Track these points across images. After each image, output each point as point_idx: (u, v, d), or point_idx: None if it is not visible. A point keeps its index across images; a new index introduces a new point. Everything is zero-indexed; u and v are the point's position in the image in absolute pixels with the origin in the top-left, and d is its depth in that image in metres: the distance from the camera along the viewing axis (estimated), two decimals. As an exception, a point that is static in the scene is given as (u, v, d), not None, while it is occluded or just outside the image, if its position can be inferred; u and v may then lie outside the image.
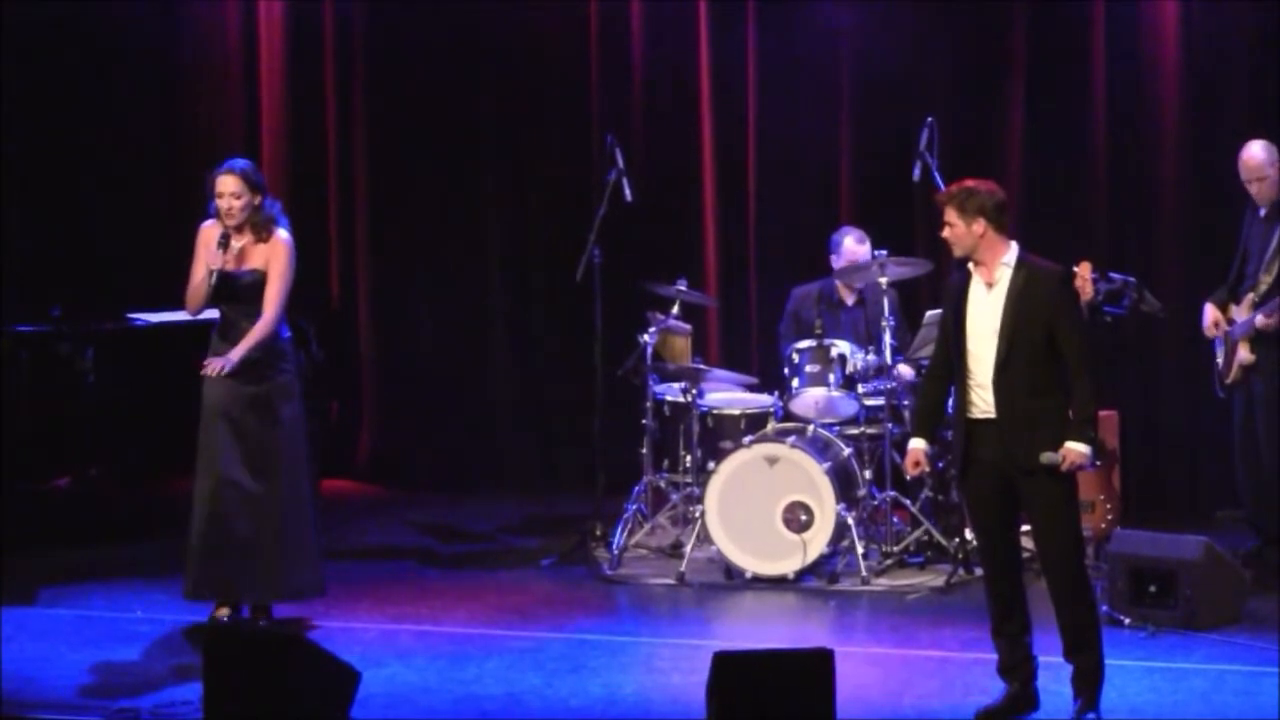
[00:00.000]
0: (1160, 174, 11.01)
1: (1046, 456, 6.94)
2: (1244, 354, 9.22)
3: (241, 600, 8.31)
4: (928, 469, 7.57)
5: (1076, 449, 6.95)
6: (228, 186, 8.16)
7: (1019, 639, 7.18)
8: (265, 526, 8.16)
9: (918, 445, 7.31)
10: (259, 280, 8.16)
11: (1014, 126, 11.16)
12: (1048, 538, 7.11)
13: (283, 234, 8.23)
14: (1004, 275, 7.03)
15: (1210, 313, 9.43)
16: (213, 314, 8.37)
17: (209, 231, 8.24)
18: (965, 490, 7.45)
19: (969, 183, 7.10)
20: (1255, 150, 9.30)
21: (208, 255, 8.15)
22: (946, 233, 7.09)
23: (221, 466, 8.16)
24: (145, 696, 7.62)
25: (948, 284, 7.29)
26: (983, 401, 7.05)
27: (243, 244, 8.22)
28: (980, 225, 7.01)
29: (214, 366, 8.11)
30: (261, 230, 8.21)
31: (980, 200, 7.01)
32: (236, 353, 8.11)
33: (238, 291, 8.17)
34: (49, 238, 12.20)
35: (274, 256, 8.19)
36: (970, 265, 7.10)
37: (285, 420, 8.21)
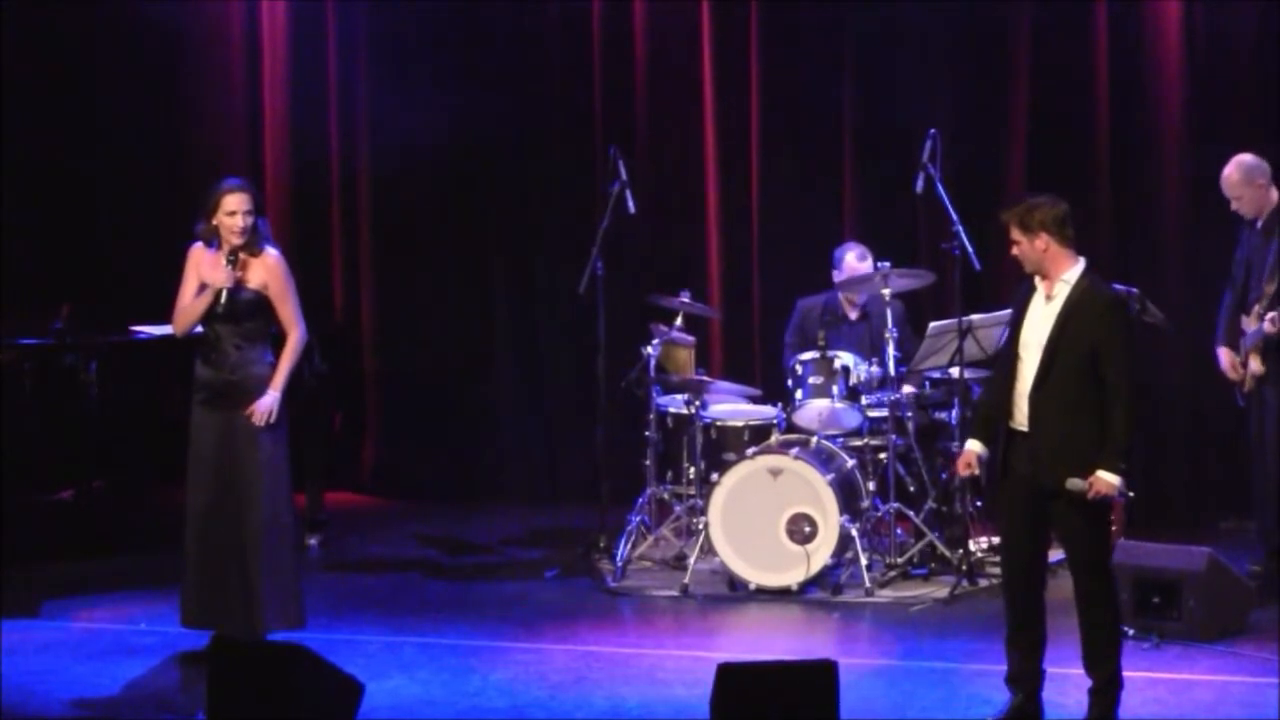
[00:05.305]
0: (1163, 179, 11.01)
1: (1073, 483, 6.89)
2: (1254, 365, 9.21)
3: (225, 632, 8.03)
4: (978, 471, 7.41)
5: (1105, 479, 6.88)
6: (241, 204, 8.03)
7: (1031, 653, 7.15)
8: (244, 557, 8.01)
9: (972, 447, 7.26)
10: (257, 299, 8.06)
11: (1017, 132, 11.16)
12: (1074, 557, 7.10)
13: (273, 251, 8.13)
14: (1062, 291, 7.00)
15: (1225, 357, 9.38)
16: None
17: (201, 253, 8.12)
18: (998, 495, 7.39)
19: (1029, 198, 7.08)
20: (1229, 170, 9.30)
21: (217, 274, 8.02)
22: (1014, 250, 7.07)
23: (204, 496, 8.09)
24: (149, 710, 7.63)
25: (1017, 290, 7.27)
26: (1020, 413, 7.03)
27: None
28: (1043, 240, 6.98)
29: (262, 413, 7.98)
30: (254, 247, 8.09)
31: (1042, 214, 6.99)
32: (277, 385, 8.02)
33: (236, 309, 8.05)
34: (52, 249, 12.22)
35: (271, 277, 8.08)
36: (1037, 277, 7.09)
37: (267, 446, 8.05)
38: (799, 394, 9.79)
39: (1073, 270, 7.03)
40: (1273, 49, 10.69)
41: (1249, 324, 9.28)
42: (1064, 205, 7.06)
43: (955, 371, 9.62)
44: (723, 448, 9.94)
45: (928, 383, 9.99)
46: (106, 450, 10.22)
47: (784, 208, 11.58)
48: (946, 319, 9.79)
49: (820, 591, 9.40)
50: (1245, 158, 9.30)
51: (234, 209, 8.04)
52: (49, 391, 9.93)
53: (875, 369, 9.80)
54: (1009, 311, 8.96)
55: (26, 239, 12.13)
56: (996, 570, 9.34)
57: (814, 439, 9.73)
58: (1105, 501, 6.98)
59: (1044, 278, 7.06)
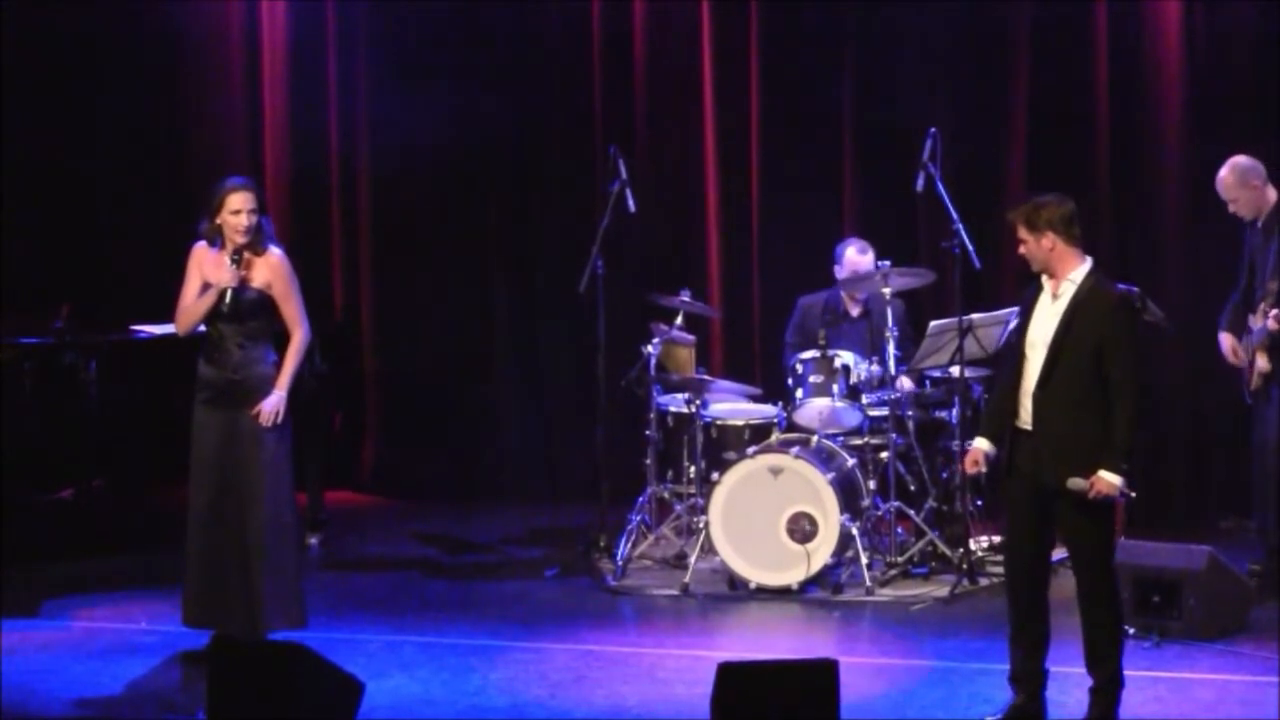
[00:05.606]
0: (1163, 179, 11.00)
1: (1074, 482, 6.88)
2: (1261, 363, 9.20)
3: (226, 631, 8.01)
4: (984, 469, 7.36)
5: (1106, 479, 6.88)
6: (247, 203, 8.01)
7: (1033, 652, 7.15)
8: (246, 557, 7.99)
9: (979, 445, 7.24)
10: (261, 299, 8.05)
11: (1017, 133, 11.16)
12: (1076, 556, 7.12)
13: (276, 251, 8.11)
14: (1068, 290, 6.99)
15: (1227, 341, 9.39)
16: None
17: (204, 252, 8.11)
18: (1004, 493, 7.38)
19: (1036, 197, 7.08)
20: (1223, 173, 9.29)
21: (221, 273, 8.01)
22: (1021, 249, 7.06)
23: (206, 495, 8.07)
24: (149, 709, 7.62)
25: (1024, 289, 7.26)
26: (1025, 411, 7.03)
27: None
28: (1049, 239, 6.98)
29: (268, 413, 7.98)
30: (258, 246, 8.07)
31: (1048, 213, 6.99)
32: (282, 384, 8.02)
33: (240, 308, 8.03)
34: (52, 249, 12.21)
35: (275, 276, 8.06)
36: (1043, 276, 7.10)
37: (270, 446, 8.03)
38: (799, 393, 9.79)
39: (1079, 269, 7.02)
40: (1273, 49, 10.69)
41: (1255, 322, 9.28)
42: (1070, 204, 7.05)
43: (955, 370, 9.62)
44: (723, 447, 9.94)
45: (928, 381, 9.99)
46: (106, 450, 10.22)
47: (784, 208, 11.58)
48: (947, 318, 9.79)
49: (821, 590, 9.40)
50: (1239, 160, 9.30)
51: (238, 208, 8.02)
52: (49, 391, 9.92)
53: (875, 368, 9.80)
54: (1009, 311, 8.99)
55: (26, 239, 12.13)
56: (997, 569, 9.35)
57: (814, 438, 9.73)
58: (1107, 501, 6.98)
59: (1050, 276, 7.06)
